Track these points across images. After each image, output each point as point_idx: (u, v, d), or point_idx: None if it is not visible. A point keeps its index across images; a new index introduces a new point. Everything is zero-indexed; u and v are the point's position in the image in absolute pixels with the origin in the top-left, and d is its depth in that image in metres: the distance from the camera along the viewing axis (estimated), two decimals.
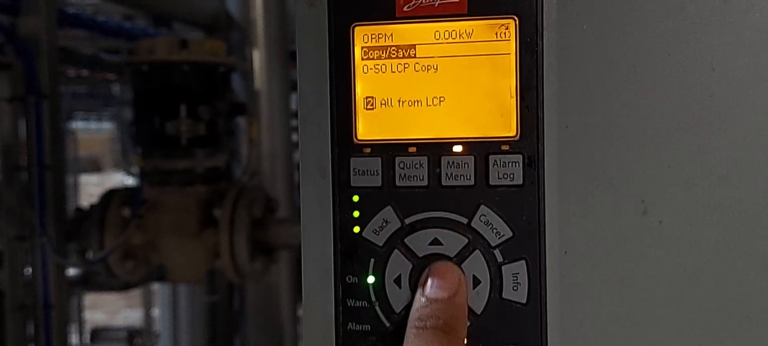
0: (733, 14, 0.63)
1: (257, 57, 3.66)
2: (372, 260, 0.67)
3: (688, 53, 0.63)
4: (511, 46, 0.64)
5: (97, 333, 5.58)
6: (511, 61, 0.64)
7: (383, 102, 0.67)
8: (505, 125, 0.65)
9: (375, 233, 0.67)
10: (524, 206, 0.65)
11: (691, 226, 0.64)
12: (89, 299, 6.09)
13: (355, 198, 0.67)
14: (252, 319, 3.62)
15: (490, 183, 0.65)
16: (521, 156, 0.64)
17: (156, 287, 4.77)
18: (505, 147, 0.65)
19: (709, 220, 0.64)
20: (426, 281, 0.65)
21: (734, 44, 0.63)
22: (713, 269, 0.64)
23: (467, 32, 0.65)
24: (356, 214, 0.67)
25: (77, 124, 6.77)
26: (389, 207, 0.66)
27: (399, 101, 0.66)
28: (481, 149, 0.65)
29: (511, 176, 0.65)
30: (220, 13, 3.90)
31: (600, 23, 0.64)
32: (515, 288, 0.65)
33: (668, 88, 0.64)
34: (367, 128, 0.67)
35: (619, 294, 0.65)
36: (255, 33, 3.70)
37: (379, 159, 0.66)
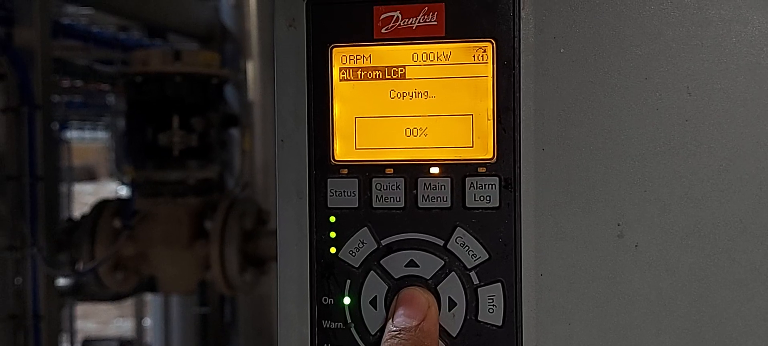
0: (709, 39, 0.63)
1: (251, 68, 3.67)
2: (348, 281, 0.67)
3: (664, 77, 0.64)
4: (489, 69, 0.64)
5: (88, 343, 5.56)
6: (489, 84, 0.64)
7: (360, 123, 0.67)
8: (482, 147, 0.65)
9: (351, 254, 0.67)
10: (500, 228, 0.65)
11: (666, 249, 0.64)
12: (81, 308, 6.07)
13: (332, 219, 0.67)
14: (243, 330, 3.61)
15: (467, 205, 0.65)
16: (498, 178, 0.65)
17: (148, 297, 4.77)
18: (481, 169, 0.65)
19: (685, 243, 0.64)
20: (395, 310, 0.65)
21: (710, 69, 0.63)
22: (688, 293, 0.64)
23: (445, 54, 0.65)
24: (333, 235, 0.67)
25: (72, 133, 6.76)
26: (366, 228, 0.67)
27: (376, 122, 0.66)
28: (458, 171, 0.65)
29: (488, 197, 0.65)
30: (215, 25, 3.91)
31: (577, 47, 0.64)
32: (491, 310, 0.65)
33: (645, 112, 0.64)
34: (344, 149, 0.67)
35: (594, 317, 0.65)
36: (249, 44, 3.70)
37: (356, 180, 0.67)
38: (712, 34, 0.63)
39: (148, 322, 5.48)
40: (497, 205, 0.65)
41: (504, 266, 0.65)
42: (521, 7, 0.64)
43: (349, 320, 0.67)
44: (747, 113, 0.63)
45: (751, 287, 0.63)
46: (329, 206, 0.67)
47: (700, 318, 0.64)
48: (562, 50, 0.65)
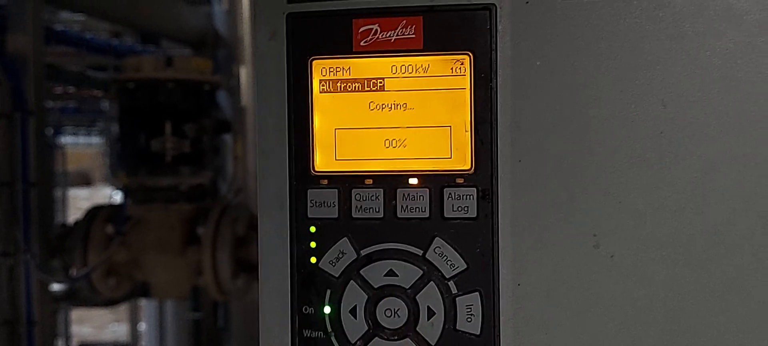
0: (683, 53, 0.64)
1: (244, 74, 3.68)
2: (328, 290, 0.68)
3: (639, 90, 0.64)
4: (466, 81, 0.65)
5: None
6: (466, 96, 0.65)
7: (340, 134, 0.67)
8: (460, 159, 0.65)
9: (331, 264, 0.68)
10: (478, 239, 0.66)
11: (642, 260, 0.65)
12: (76, 313, 6.07)
13: (312, 229, 0.68)
14: (236, 335, 3.62)
15: (445, 216, 0.66)
16: (476, 189, 0.65)
17: (142, 302, 4.77)
18: (460, 180, 0.66)
19: (660, 254, 0.65)
20: None
21: (685, 82, 0.64)
22: (664, 303, 0.65)
23: (423, 67, 0.66)
24: (313, 245, 0.68)
25: (67, 139, 6.76)
26: (345, 238, 0.67)
27: (356, 133, 0.67)
28: (437, 182, 0.66)
29: (466, 208, 0.65)
30: (208, 31, 3.91)
31: (553, 60, 0.65)
32: (469, 320, 0.66)
33: (620, 124, 0.65)
34: (324, 160, 0.68)
35: (571, 327, 0.66)
36: (242, 50, 3.71)
37: (336, 191, 0.67)
38: (687, 48, 0.64)
39: (143, 326, 5.48)
40: (475, 215, 0.65)
41: (482, 275, 0.66)
42: (498, 21, 0.65)
43: (330, 329, 0.68)
44: (721, 125, 0.64)
45: (726, 298, 0.64)
46: (309, 216, 0.68)
47: (675, 329, 0.65)
48: (538, 63, 0.65)
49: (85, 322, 7.57)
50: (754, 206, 0.64)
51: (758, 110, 0.63)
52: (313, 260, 0.68)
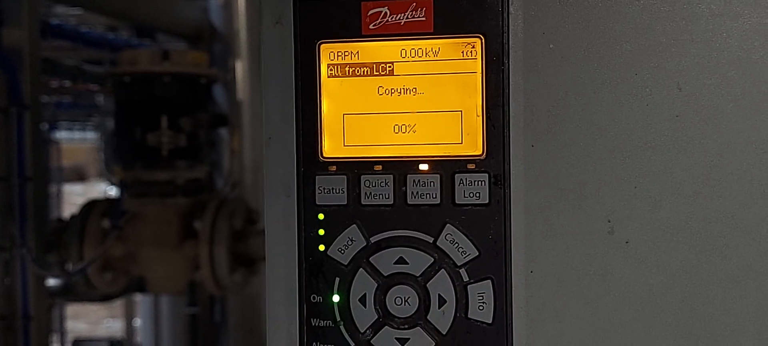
0: (699, 34, 0.63)
1: (240, 68, 3.66)
2: (337, 278, 0.67)
3: (654, 73, 0.63)
4: (478, 65, 0.64)
5: (78, 343, 5.54)
6: (478, 80, 0.64)
7: (349, 119, 0.66)
8: (472, 144, 0.64)
9: (340, 252, 0.66)
10: (490, 225, 0.64)
11: (657, 246, 0.64)
12: (71, 309, 6.05)
13: (321, 216, 0.67)
14: (233, 330, 3.60)
15: (456, 202, 0.64)
16: (487, 175, 0.64)
17: (138, 297, 4.75)
18: (471, 166, 0.64)
19: (676, 240, 0.63)
20: None
21: (700, 64, 0.63)
22: (680, 289, 0.64)
23: (434, 50, 0.65)
24: (321, 232, 0.67)
25: (62, 134, 6.73)
26: (354, 225, 0.66)
27: (364, 119, 0.66)
28: (447, 168, 0.65)
29: (478, 194, 0.64)
30: (204, 24, 3.89)
31: (566, 42, 0.64)
32: (481, 308, 0.65)
33: (634, 108, 0.63)
34: (332, 146, 0.66)
35: (585, 314, 0.65)
36: (238, 44, 3.69)
37: (345, 177, 0.66)
38: (703, 29, 0.63)
39: (138, 322, 5.46)
40: (487, 202, 0.64)
41: (494, 263, 0.64)
42: (510, 3, 0.64)
43: (338, 318, 0.67)
44: (738, 108, 0.62)
45: (743, 283, 0.63)
46: (318, 203, 0.67)
47: (691, 315, 0.64)
48: (551, 46, 0.64)
49: (80, 317, 7.55)
50: None
51: None
52: (322, 247, 0.67)
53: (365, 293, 0.66)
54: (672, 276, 0.64)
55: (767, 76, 0.62)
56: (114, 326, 7.43)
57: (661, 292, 0.64)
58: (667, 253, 0.64)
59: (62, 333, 5.50)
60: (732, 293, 0.63)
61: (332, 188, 0.66)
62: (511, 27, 0.64)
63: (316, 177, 0.66)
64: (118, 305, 5.80)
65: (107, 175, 3.95)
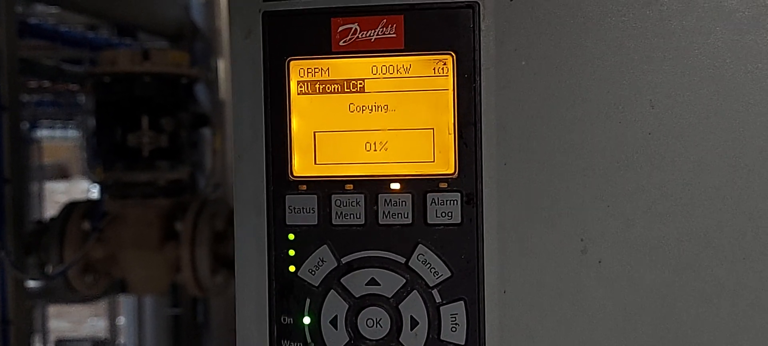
0: (672, 52, 0.62)
1: (222, 67, 3.64)
2: (308, 300, 0.66)
3: (627, 90, 0.63)
4: (449, 82, 0.63)
5: (61, 343, 5.51)
6: (449, 97, 0.63)
7: (320, 137, 0.65)
8: (444, 162, 0.63)
9: (311, 273, 0.65)
10: (463, 245, 0.64)
11: (630, 265, 0.63)
12: (54, 308, 6.03)
13: (291, 236, 0.66)
14: (216, 331, 3.59)
15: (428, 222, 0.64)
16: (460, 194, 0.63)
17: (121, 297, 4.73)
18: (443, 185, 0.64)
19: (648, 259, 0.63)
20: None
21: (673, 82, 0.62)
22: (653, 308, 0.63)
23: (405, 67, 0.64)
24: (292, 252, 0.66)
25: (43, 132, 6.69)
26: (325, 246, 0.65)
27: (335, 136, 0.65)
28: (419, 187, 0.64)
29: (450, 214, 0.63)
30: (185, 23, 3.87)
31: (538, 59, 0.63)
32: (454, 329, 0.64)
33: (607, 126, 0.63)
34: (303, 165, 0.65)
35: (558, 334, 0.64)
36: (220, 42, 3.67)
37: (315, 196, 0.65)
38: (675, 46, 0.62)
39: (121, 321, 5.44)
40: (459, 221, 0.63)
41: (467, 283, 0.64)
42: (481, 19, 0.63)
43: (309, 340, 0.66)
44: (711, 126, 0.62)
45: (716, 302, 0.63)
46: (288, 223, 0.66)
47: (664, 334, 0.63)
48: (523, 63, 0.63)
49: (62, 316, 7.52)
50: (743, 207, 0.62)
51: (748, 110, 0.62)
52: (292, 268, 0.66)
53: (336, 315, 0.65)
54: (645, 295, 0.63)
55: (739, 93, 0.61)
56: (98, 325, 7.40)
57: (635, 311, 0.64)
58: (640, 272, 0.63)
59: (45, 333, 5.47)
60: (705, 312, 0.63)
61: (302, 208, 0.65)
62: (482, 44, 0.63)
63: (287, 196, 0.66)
64: (101, 304, 5.78)
65: (89, 174, 3.92)
